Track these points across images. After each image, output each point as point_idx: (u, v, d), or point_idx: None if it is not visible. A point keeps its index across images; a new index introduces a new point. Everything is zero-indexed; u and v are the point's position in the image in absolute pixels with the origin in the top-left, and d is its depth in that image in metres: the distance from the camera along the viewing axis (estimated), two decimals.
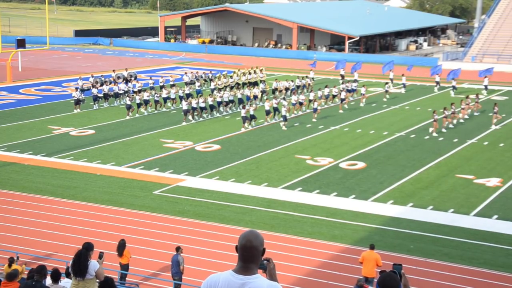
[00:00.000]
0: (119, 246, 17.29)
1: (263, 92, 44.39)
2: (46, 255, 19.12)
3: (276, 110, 38.01)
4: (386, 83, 47.33)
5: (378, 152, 31.68)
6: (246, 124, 35.94)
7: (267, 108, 37.24)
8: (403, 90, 49.02)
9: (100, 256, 11.32)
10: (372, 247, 17.35)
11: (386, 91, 45.65)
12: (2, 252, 18.52)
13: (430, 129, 35.43)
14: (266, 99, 39.46)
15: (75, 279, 10.63)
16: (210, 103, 38.97)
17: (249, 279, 4.70)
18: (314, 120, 38.14)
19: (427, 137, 34.83)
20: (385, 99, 45.19)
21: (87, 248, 10.92)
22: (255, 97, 42.75)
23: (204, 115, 39.07)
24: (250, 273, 4.73)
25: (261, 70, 49.69)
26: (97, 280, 10.77)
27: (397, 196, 25.09)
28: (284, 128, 36.00)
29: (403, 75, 49.77)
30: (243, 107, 36.43)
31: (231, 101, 40.82)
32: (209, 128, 36.68)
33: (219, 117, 39.35)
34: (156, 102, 40.91)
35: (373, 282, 16.80)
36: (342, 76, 52.01)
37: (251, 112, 36.20)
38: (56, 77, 55.15)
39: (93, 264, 10.69)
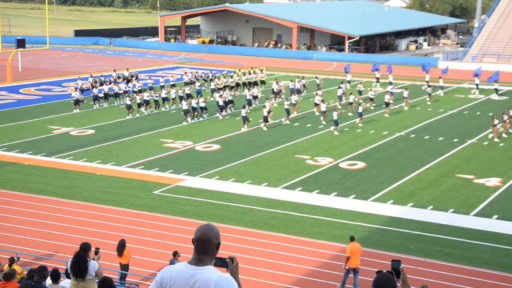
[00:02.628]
0: (119, 246, 17.28)
1: (278, 92, 44.38)
2: (46, 255, 19.12)
3: (287, 111, 37.71)
4: (406, 88, 46.85)
5: (378, 152, 31.68)
6: (245, 126, 35.90)
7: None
8: (441, 93, 48.13)
9: (96, 252, 11.29)
10: (353, 238, 17.71)
11: (405, 97, 43.17)
12: (2, 252, 18.50)
13: (490, 135, 34.35)
14: (267, 99, 39.26)
15: (75, 280, 10.62)
16: (221, 103, 38.84)
17: (200, 269, 4.85)
18: (360, 124, 37.16)
19: (427, 137, 34.83)
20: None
21: (85, 248, 10.90)
22: (255, 97, 42.71)
23: (204, 115, 39.03)
24: (203, 264, 4.88)
25: (261, 70, 49.66)
26: (97, 280, 10.76)
27: (397, 196, 25.08)
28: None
29: (440, 77, 48.77)
30: (243, 107, 36.43)
31: (231, 101, 40.80)
32: (209, 128, 36.67)
33: (219, 117, 39.33)
34: (156, 102, 40.92)
35: (359, 271, 17.44)
36: (377, 79, 51.62)
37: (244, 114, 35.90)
38: (56, 77, 55.15)
39: (93, 264, 10.68)
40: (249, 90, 43.40)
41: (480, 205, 24.15)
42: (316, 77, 49.00)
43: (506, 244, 20.56)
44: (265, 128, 35.93)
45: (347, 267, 17.38)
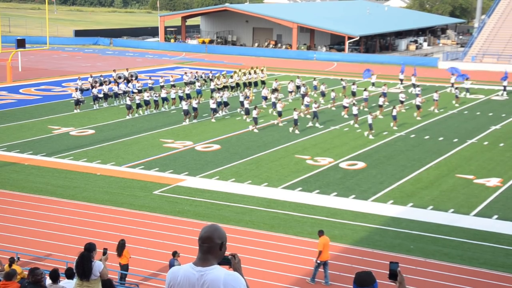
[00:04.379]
0: (118, 246, 17.28)
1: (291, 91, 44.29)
2: (46, 255, 19.12)
3: (316, 114, 37.03)
4: (416, 86, 46.69)
5: (378, 152, 31.68)
6: (252, 127, 35.61)
7: (279, 109, 36.91)
8: (468, 95, 47.57)
9: (104, 252, 11.29)
10: (323, 233, 18.02)
11: (417, 94, 42.38)
12: (2, 252, 18.51)
13: None
14: (279, 100, 38.81)
15: (79, 280, 10.62)
16: (212, 105, 38.46)
17: (207, 270, 4.85)
18: (395, 128, 36.30)
19: (427, 137, 34.83)
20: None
21: (89, 249, 10.90)
22: (265, 98, 42.17)
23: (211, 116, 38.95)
24: (208, 265, 4.88)
25: (262, 70, 49.65)
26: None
27: (397, 196, 25.08)
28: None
29: (467, 79, 48.14)
30: (255, 108, 35.93)
31: (226, 103, 40.56)
32: (209, 128, 36.67)
33: (219, 117, 39.32)
34: (156, 102, 40.90)
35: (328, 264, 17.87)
36: (401, 80, 50.82)
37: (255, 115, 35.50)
38: (56, 77, 55.15)
39: (97, 265, 10.67)
40: (249, 90, 43.37)
41: (480, 205, 24.15)
42: (297, 77, 48.43)
43: (506, 244, 20.56)
44: (281, 124, 36.09)
45: (318, 261, 17.69)
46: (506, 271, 18.68)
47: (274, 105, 39.54)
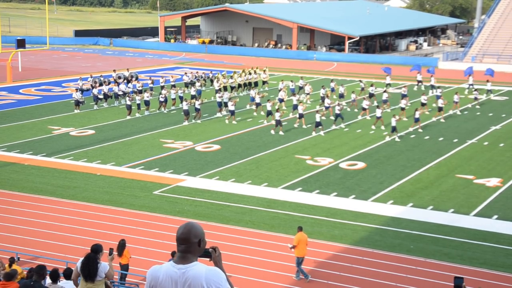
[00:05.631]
0: (119, 246, 17.30)
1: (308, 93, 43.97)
2: (46, 255, 19.11)
3: (339, 116, 36.60)
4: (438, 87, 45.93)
5: (378, 152, 31.68)
6: (276, 129, 35.19)
7: (300, 111, 36.58)
8: (492, 96, 47.15)
9: (110, 252, 11.29)
10: (301, 229, 18.20)
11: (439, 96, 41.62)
12: (2, 252, 18.51)
13: None
14: (300, 102, 38.27)
15: (84, 281, 10.62)
16: (197, 106, 37.85)
17: (188, 267, 4.89)
18: (420, 130, 35.84)
19: (427, 137, 34.83)
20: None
21: (96, 250, 10.90)
22: (281, 100, 41.14)
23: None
24: (188, 262, 4.91)
25: (264, 71, 49.60)
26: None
27: (397, 196, 25.08)
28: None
29: (487, 81, 47.72)
30: (277, 110, 35.31)
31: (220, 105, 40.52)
32: (209, 128, 36.67)
33: (219, 117, 39.34)
34: (165, 101, 40.94)
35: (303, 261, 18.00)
36: (419, 82, 49.92)
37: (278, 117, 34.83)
38: (56, 77, 55.15)
39: (103, 266, 10.66)
40: (249, 90, 43.36)
41: (480, 205, 24.15)
42: (331, 80, 47.51)
43: (506, 244, 20.57)
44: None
45: (293, 253, 17.97)
46: (506, 271, 18.69)
47: (295, 107, 38.62)
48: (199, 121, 37.83)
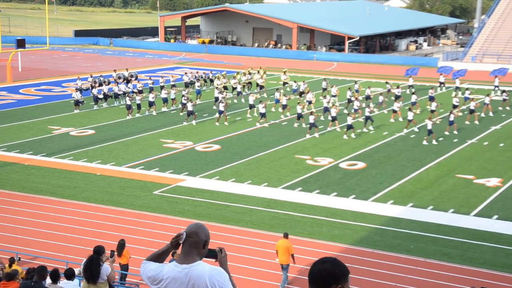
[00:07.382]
0: (118, 246, 17.29)
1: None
2: (46, 255, 19.11)
3: (369, 118, 35.91)
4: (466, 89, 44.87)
5: (378, 152, 31.69)
6: (311, 131, 34.74)
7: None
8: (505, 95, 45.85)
9: (111, 255, 11.28)
10: (286, 236, 18.03)
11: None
12: (2, 252, 18.51)
13: None
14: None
15: (86, 283, 10.63)
16: (190, 108, 37.35)
17: (192, 266, 4.87)
18: (455, 131, 35.30)
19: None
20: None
21: (99, 252, 10.90)
22: (310, 102, 40.27)
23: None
24: (192, 261, 4.90)
25: (258, 72, 49.54)
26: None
27: (397, 196, 25.09)
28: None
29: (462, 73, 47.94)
30: (311, 113, 34.71)
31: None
32: (209, 128, 36.67)
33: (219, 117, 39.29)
34: (165, 100, 41.00)
35: (288, 268, 17.71)
36: (442, 83, 49.38)
37: (311, 121, 34.35)
38: (56, 77, 55.15)
39: (105, 268, 10.66)
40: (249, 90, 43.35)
41: (480, 205, 24.15)
42: (354, 82, 46.95)
43: (506, 244, 20.57)
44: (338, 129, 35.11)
45: (277, 260, 17.89)
46: (506, 271, 18.69)
47: (326, 109, 38.11)
48: (193, 123, 37.40)
